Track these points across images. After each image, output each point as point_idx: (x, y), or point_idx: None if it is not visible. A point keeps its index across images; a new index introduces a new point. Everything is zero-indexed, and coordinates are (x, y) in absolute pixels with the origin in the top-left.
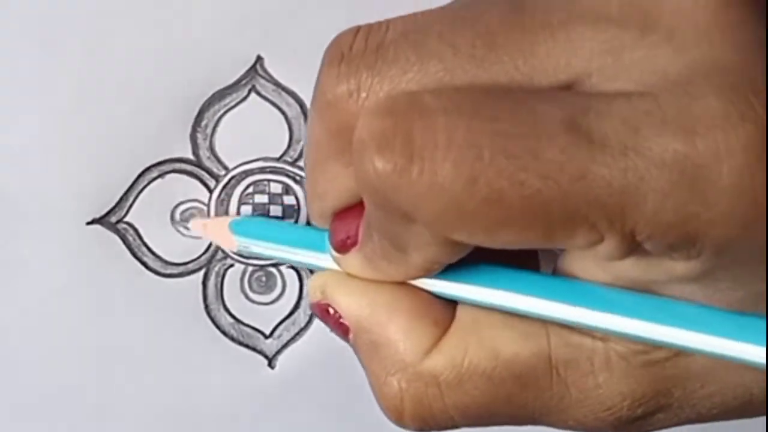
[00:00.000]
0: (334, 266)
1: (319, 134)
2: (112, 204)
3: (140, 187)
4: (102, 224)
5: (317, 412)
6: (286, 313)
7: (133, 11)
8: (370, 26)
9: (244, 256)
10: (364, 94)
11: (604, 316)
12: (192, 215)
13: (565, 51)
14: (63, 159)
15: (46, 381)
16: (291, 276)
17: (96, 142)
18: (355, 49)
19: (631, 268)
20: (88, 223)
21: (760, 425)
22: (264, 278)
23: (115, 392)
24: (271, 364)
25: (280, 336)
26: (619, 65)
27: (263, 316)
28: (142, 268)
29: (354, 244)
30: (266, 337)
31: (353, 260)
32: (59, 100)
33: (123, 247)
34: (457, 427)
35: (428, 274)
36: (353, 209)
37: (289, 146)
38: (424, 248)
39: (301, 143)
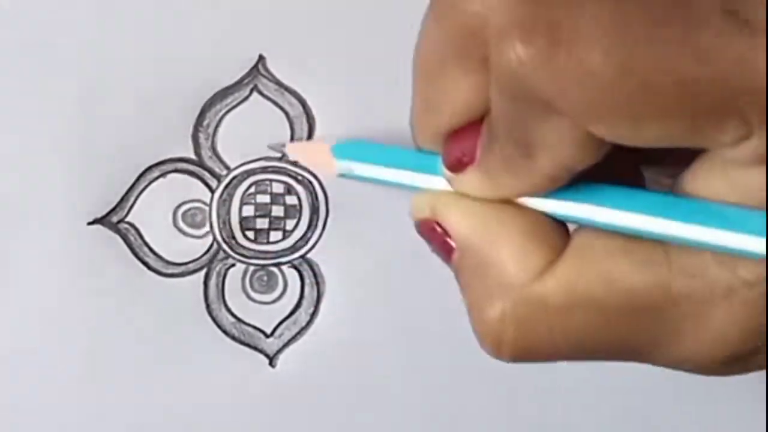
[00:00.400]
0: (444, 188)
1: (436, 39)
2: (114, 204)
3: (142, 187)
4: (103, 224)
5: (318, 410)
6: (288, 312)
7: (135, 11)
8: None
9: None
10: None
11: (737, 236)
12: (195, 214)
13: None
14: (64, 159)
15: (46, 381)
16: (292, 275)
17: (97, 141)
18: None
19: (762, 178)
20: (90, 223)
21: (760, 425)
22: (265, 278)
23: (116, 391)
24: (272, 363)
25: (281, 335)
26: None
27: (264, 315)
28: (144, 268)
29: (471, 161)
30: (267, 336)
31: (470, 178)
32: (60, 100)
33: (124, 247)
34: (557, 359)
35: (552, 185)
36: (469, 127)
37: None
38: (557, 148)
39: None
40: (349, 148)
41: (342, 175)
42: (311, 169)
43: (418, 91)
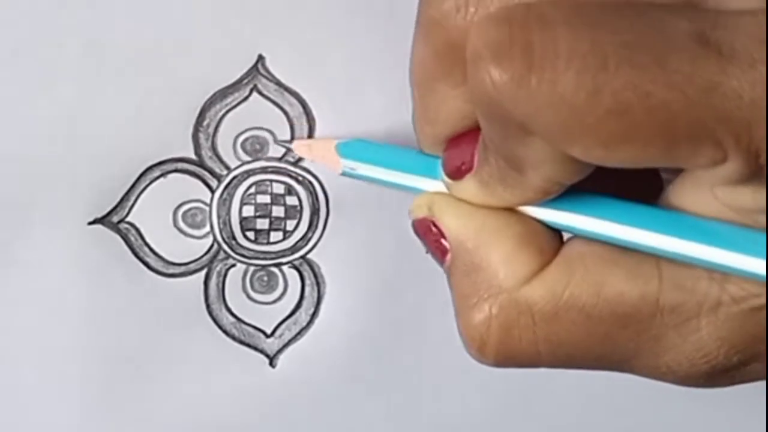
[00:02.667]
0: (443, 190)
1: (425, 55)
2: (114, 204)
3: (142, 187)
4: (104, 224)
5: (318, 411)
6: (288, 312)
7: (135, 11)
8: None
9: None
10: (472, 9)
11: (728, 254)
12: (195, 214)
13: None
14: (64, 159)
15: (46, 381)
16: (293, 276)
17: (97, 141)
18: None
19: (748, 196)
20: (90, 223)
21: (759, 425)
22: (265, 278)
23: (116, 392)
24: (272, 363)
25: (281, 335)
26: None
27: (265, 315)
28: (144, 268)
29: (469, 169)
30: (267, 336)
31: (467, 186)
32: (60, 100)
33: (125, 247)
34: (537, 365)
35: (545, 197)
36: (468, 135)
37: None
38: (541, 166)
39: None
40: (354, 147)
41: (345, 174)
42: (318, 163)
43: (415, 102)
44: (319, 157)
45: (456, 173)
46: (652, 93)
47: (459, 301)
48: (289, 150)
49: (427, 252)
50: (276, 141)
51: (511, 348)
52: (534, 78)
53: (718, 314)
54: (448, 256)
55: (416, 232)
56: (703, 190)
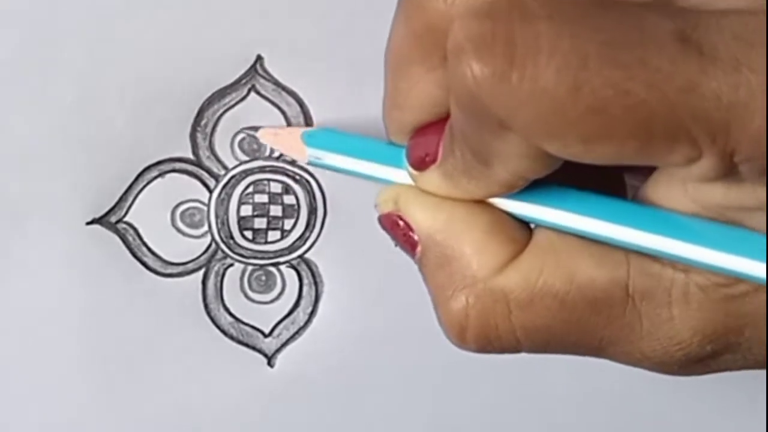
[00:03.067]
0: (409, 182)
1: (403, 37)
2: (112, 204)
3: (140, 187)
4: (102, 224)
5: (316, 410)
6: (286, 311)
7: (133, 11)
8: None
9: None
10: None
11: (689, 246)
12: (193, 214)
13: None
14: (63, 159)
15: (46, 381)
16: (291, 275)
17: (96, 141)
18: None
19: (719, 193)
20: (88, 223)
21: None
22: (263, 277)
23: (115, 391)
24: (270, 363)
25: (279, 335)
26: None
27: (263, 315)
28: (142, 267)
29: (433, 161)
30: (266, 335)
31: (431, 177)
32: (58, 101)
33: (123, 247)
34: (518, 351)
35: (510, 191)
36: (434, 125)
37: None
38: (512, 160)
39: None
40: (319, 136)
41: (311, 163)
42: (285, 154)
43: (387, 87)
44: (286, 146)
45: (420, 164)
46: (632, 91)
47: (435, 293)
48: (254, 138)
49: (396, 245)
50: (242, 129)
51: (490, 335)
52: (515, 74)
53: (689, 303)
54: (418, 249)
55: (383, 227)
56: (675, 186)
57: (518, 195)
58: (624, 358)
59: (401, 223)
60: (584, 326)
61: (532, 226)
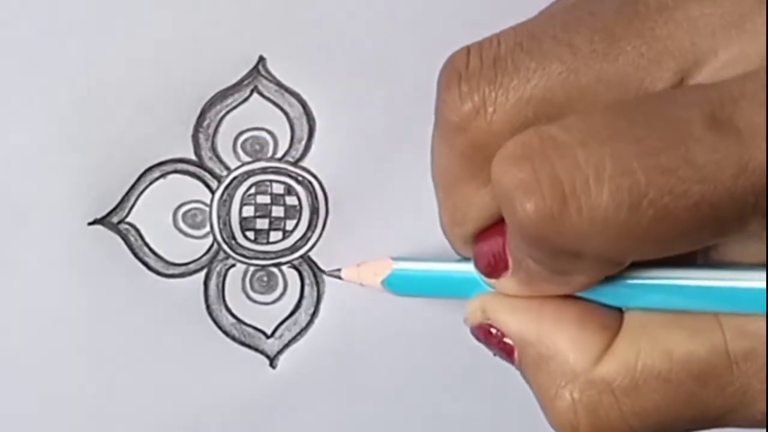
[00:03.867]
0: (491, 290)
1: (449, 159)
2: (114, 204)
3: (142, 188)
4: (103, 224)
5: (318, 411)
6: (288, 312)
7: (135, 11)
8: (480, 43)
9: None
10: (491, 109)
11: None
12: (195, 214)
13: (687, 31)
14: (64, 159)
15: (46, 381)
16: (292, 276)
17: (97, 142)
18: (472, 67)
19: None
20: (90, 224)
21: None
22: (265, 278)
23: (116, 392)
24: (272, 364)
25: (281, 336)
26: (744, 37)
27: (265, 315)
28: (144, 268)
29: (504, 269)
30: (268, 336)
31: (508, 283)
32: (60, 100)
33: (124, 247)
34: None
35: (591, 287)
36: (493, 228)
37: (290, 146)
38: (588, 271)
39: (303, 142)
40: (398, 282)
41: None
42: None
43: (441, 204)
44: (365, 282)
45: (491, 273)
46: (689, 192)
47: (539, 395)
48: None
49: (494, 355)
50: (327, 273)
51: (602, 428)
52: (572, 208)
53: None
54: (516, 354)
55: (477, 338)
56: (751, 242)
57: (604, 282)
58: (745, 423)
59: (494, 331)
60: (695, 401)
61: (623, 309)
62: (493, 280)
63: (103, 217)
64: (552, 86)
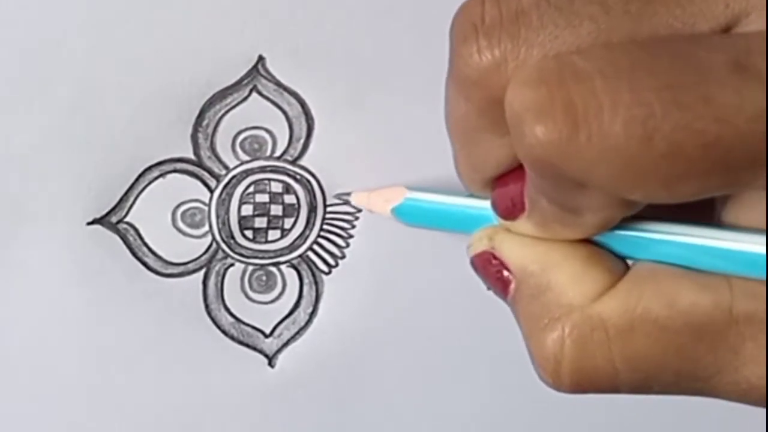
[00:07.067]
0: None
1: (466, 112)
2: (113, 204)
3: (141, 187)
4: (102, 224)
5: (317, 410)
6: (286, 312)
7: (134, 11)
8: None
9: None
10: (513, 65)
11: None
12: (194, 214)
13: None
14: (64, 159)
15: (46, 381)
16: (291, 275)
17: (97, 141)
18: (490, 19)
19: None
20: (89, 223)
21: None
22: (264, 277)
23: (116, 392)
24: (271, 363)
25: (280, 335)
26: None
27: (263, 315)
28: (143, 268)
29: (521, 210)
30: (266, 336)
31: (523, 225)
32: (60, 100)
33: (123, 247)
34: (615, 387)
35: (605, 230)
36: (513, 173)
37: (289, 145)
38: (599, 210)
39: (301, 141)
40: (407, 212)
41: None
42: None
43: (457, 152)
44: (376, 209)
45: (509, 214)
46: (704, 130)
47: (528, 325)
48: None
49: (488, 288)
50: (335, 195)
51: (587, 366)
52: (582, 135)
53: None
54: (511, 287)
55: (474, 267)
56: (760, 206)
57: (615, 229)
58: (731, 389)
59: (495, 261)
60: (686, 353)
61: (630, 263)
62: (509, 223)
63: (102, 217)
64: (581, 45)
